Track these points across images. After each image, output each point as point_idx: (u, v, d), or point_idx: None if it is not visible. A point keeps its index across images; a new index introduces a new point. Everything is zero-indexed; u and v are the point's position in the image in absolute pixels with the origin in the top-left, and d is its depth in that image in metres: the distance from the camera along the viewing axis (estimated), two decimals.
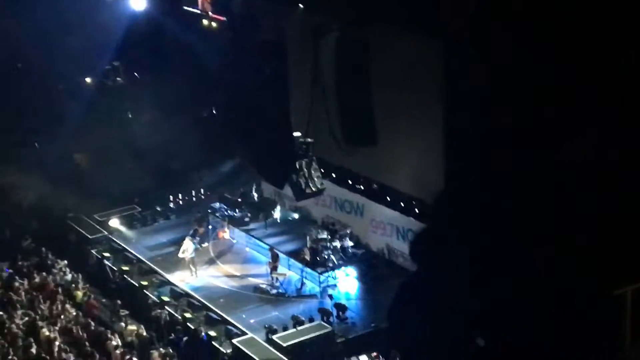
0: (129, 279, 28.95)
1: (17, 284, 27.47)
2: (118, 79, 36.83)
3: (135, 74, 36.18)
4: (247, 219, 32.33)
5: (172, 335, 25.34)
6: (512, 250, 13.86)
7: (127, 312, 26.63)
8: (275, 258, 28.77)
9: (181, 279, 29.04)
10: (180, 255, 29.66)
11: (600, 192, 13.79)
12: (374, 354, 23.78)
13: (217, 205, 33.19)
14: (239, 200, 33.18)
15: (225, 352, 24.57)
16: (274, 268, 28.64)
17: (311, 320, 25.62)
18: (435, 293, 13.81)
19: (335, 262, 28.55)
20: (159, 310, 26.53)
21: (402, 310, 14.84)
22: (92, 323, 25.67)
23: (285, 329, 25.28)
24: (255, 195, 33.59)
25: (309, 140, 23.90)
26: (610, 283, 13.73)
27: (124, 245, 31.48)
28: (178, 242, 30.53)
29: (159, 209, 34.15)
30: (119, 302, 27.09)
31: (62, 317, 25.76)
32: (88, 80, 36.43)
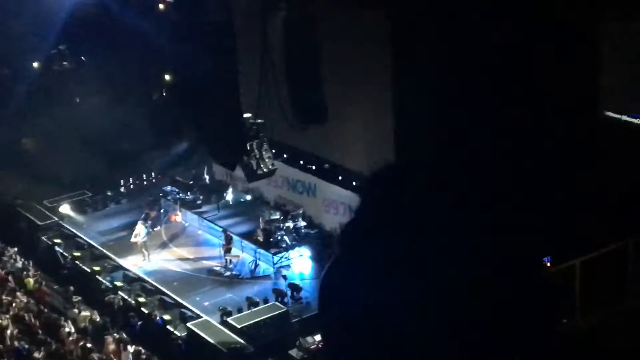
0: (81, 264, 28.69)
1: None
2: (64, 62, 36.32)
3: (82, 57, 35.70)
4: (199, 202, 32.21)
5: (126, 320, 25.20)
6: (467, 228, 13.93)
7: (79, 298, 26.41)
8: (228, 240, 28.70)
9: (134, 264, 28.87)
10: (132, 239, 29.47)
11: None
12: None
13: (169, 188, 33.01)
14: (191, 183, 33.02)
15: (180, 335, 24.47)
16: (227, 250, 28.57)
17: (266, 301, 25.62)
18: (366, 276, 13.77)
19: (289, 243, 28.55)
20: (112, 296, 26.37)
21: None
22: (45, 310, 25.45)
23: (239, 310, 25.26)
24: (207, 177, 33.47)
25: (260, 121, 23.81)
26: (558, 255, 13.87)
27: (75, 231, 31.19)
28: (130, 227, 30.32)
29: (109, 193, 33.90)
30: (71, 288, 26.87)
31: (13, 304, 25.46)
32: (35, 64, 35.90)
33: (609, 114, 14.35)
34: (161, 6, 32.10)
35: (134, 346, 23.21)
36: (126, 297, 26.48)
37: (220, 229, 29.65)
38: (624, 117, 14.48)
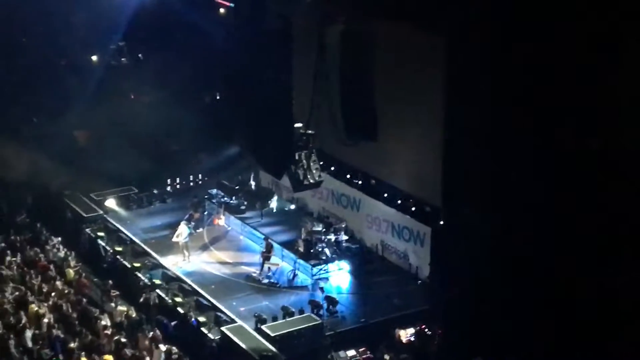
0: (121, 259, 28.92)
1: (9, 258, 27.47)
2: (123, 59, 36.75)
3: (140, 55, 36.08)
4: (243, 207, 32.28)
5: (162, 318, 25.32)
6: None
7: (117, 292, 26.61)
8: (269, 248, 28.73)
9: (174, 263, 29.00)
10: (174, 239, 29.60)
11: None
12: (362, 349, 23.77)
13: (214, 191, 33.16)
14: (236, 187, 33.12)
15: (213, 338, 24.54)
16: (267, 258, 28.61)
17: (301, 312, 25.59)
18: None
19: (329, 256, 28.50)
20: (150, 293, 26.52)
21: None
22: (83, 301, 25.68)
23: (274, 319, 25.24)
24: (253, 183, 33.56)
25: (310, 131, 23.83)
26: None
27: (119, 226, 31.46)
28: (173, 226, 30.47)
29: (155, 191, 34.15)
30: (110, 282, 27.06)
31: (52, 293, 25.75)
32: (94, 58, 36.33)
33: None
34: (222, 10, 32.40)
35: (166, 345, 23.33)
36: (163, 295, 26.62)
37: (262, 236, 29.70)
38: None
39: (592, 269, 14.79)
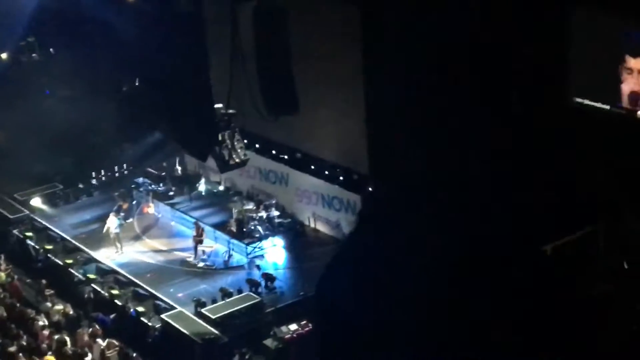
0: (53, 257, 28.59)
1: None
2: (34, 54, 36.05)
3: (51, 49, 35.45)
4: (171, 193, 32.14)
5: (100, 312, 25.13)
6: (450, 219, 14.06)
7: (52, 291, 26.30)
8: (199, 231, 28.68)
9: (107, 256, 28.78)
10: (104, 231, 29.36)
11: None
12: (304, 322, 23.93)
13: (141, 180, 32.93)
14: (163, 174, 32.93)
15: (154, 327, 24.46)
16: (199, 241, 28.56)
17: (240, 291, 25.65)
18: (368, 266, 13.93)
19: (262, 233, 28.59)
20: (86, 288, 26.28)
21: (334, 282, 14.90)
22: (17, 304, 25.32)
23: (214, 301, 25.27)
24: (179, 168, 33.40)
25: (231, 111, 23.77)
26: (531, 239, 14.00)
27: (47, 224, 31.05)
28: (102, 219, 30.22)
29: (81, 186, 33.76)
30: (44, 281, 26.73)
31: None
32: (3, 55, 35.59)
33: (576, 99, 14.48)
34: None
35: (107, 339, 23.16)
36: (99, 289, 26.41)
37: (193, 220, 29.62)
38: (586, 102, 14.58)
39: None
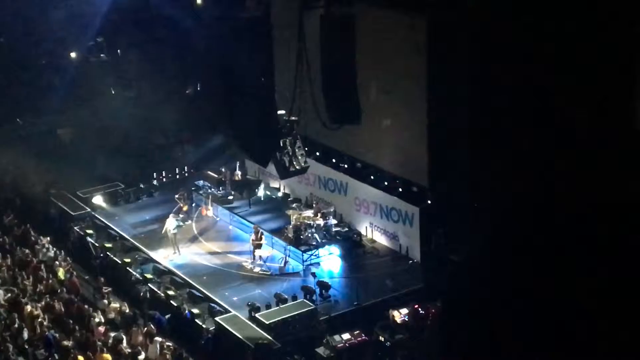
0: (112, 256, 28.88)
1: None
2: (102, 55, 36.60)
3: (119, 50, 35.95)
4: (230, 197, 32.28)
5: (155, 312, 25.32)
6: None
7: (110, 289, 26.57)
8: (259, 236, 28.75)
9: (164, 257, 29.00)
10: (163, 232, 29.60)
11: None
12: (357, 331, 23.85)
13: (201, 182, 33.15)
14: (223, 178, 33.10)
15: (208, 329, 24.56)
16: (257, 246, 28.62)
17: (294, 298, 25.63)
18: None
19: (319, 241, 28.55)
20: (142, 288, 26.50)
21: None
22: (75, 300, 25.64)
23: (268, 306, 25.28)
24: (239, 173, 33.55)
25: (293, 118, 23.81)
26: None
27: (107, 222, 31.40)
28: (161, 220, 30.45)
29: (142, 186, 34.08)
30: (101, 279, 27.04)
31: (45, 293, 25.71)
32: (72, 55, 36.19)
33: None
34: (199, 0, 32.26)
35: (161, 339, 23.33)
36: (156, 289, 26.61)
37: (251, 225, 29.72)
38: None
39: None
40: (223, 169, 33.67)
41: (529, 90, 14.71)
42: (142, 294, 26.26)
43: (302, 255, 28.11)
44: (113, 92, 37.05)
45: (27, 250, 28.33)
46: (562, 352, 14.82)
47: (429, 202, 26.77)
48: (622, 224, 14.10)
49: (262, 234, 28.80)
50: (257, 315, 24.67)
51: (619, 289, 14.05)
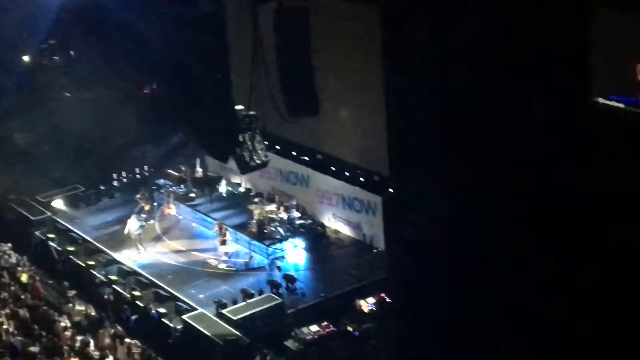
0: (75, 259, 28.68)
1: None
2: (55, 57, 36.29)
3: (72, 52, 35.64)
4: (192, 195, 32.19)
5: (122, 313, 25.21)
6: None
7: (74, 292, 26.40)
8: (222, 232, 28.71)
9: (128, 257, 28.84)
10: (125, 233, 29.45)
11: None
12: (324, 323, 23.91)
13: (162, 181, 33.01)
14: (183, 176, 33.00)
15: (175, 328, 24.50)
16: (221, 242, 28.58)
17: (260, 292, 25.65)
18: None
19: (283, 234, 28.58)
20: (107, 290, 26.36)
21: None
22: (40, 305, 25.43)
23: (235, 302, 25.28)
24: (200, 170, 33.46)
25: (252, 112, 23.77)
26: None
27: (69, 226, 31.17)
28: (123, 220, 30.28)
29: (102, 187, 33.86)
30: (65, 282, 26.86)
31: (8, 300, 25.46)
32: (25, 58, 35.81)
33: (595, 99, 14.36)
34: None
35: (129, 340, 23.22)
36: (121, 290, 26.48)
37: (214, 221, 29.66)
38: (602, 100, 14.45)
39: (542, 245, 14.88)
40: (183, 167, 33.58)
41: (486, 72, 14.80)
42: (107, 296, 26.12)
43: (267, 250, 28.11)
44: (68, 95, 36.74)
45: None
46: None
47: (391, 190, 26.84)
48: (582, 205, 14.23)
49: (226, 230, 28.76)
50: (224, 311, 24.66)
51: (568, 269, 14.17)
